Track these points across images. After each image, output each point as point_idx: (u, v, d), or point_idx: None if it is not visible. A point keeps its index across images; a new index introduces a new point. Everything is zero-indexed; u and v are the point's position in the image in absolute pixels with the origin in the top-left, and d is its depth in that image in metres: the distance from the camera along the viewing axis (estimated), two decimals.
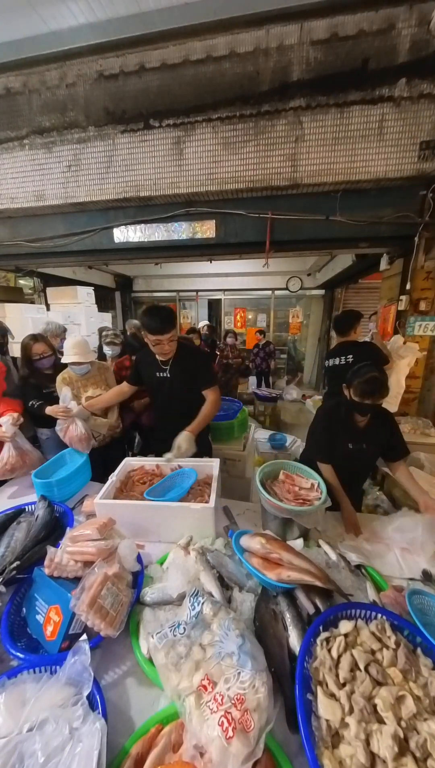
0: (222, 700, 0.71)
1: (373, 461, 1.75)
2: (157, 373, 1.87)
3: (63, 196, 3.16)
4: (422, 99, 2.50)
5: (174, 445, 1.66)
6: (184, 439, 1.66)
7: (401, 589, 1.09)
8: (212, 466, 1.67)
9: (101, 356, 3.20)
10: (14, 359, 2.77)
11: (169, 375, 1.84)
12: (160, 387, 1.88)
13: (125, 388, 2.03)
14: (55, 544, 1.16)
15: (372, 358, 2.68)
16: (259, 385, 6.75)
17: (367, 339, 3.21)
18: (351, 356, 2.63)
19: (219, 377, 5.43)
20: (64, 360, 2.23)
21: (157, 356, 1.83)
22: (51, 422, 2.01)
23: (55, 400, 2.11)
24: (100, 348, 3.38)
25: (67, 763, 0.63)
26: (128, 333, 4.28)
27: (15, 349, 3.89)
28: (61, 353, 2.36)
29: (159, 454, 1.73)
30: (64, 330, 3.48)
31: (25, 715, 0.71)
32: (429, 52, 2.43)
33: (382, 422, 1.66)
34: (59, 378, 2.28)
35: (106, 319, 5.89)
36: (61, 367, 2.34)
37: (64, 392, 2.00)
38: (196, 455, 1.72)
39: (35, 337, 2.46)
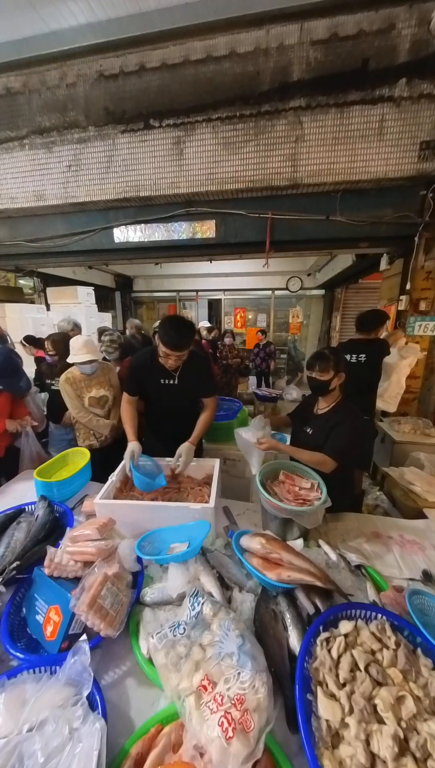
0: (222, 700, 0.71)
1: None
2: (163, 380, 1.81)
3: (63, 196, 3.17)
4: (422, 99, 2.50)
5: (176, 455, 1.67)
6: (186, 451, 1.67)
7: (401, 589, 1.09)
8: (212, 466, 1.67)
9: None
10: None
11: (177, 382, 1.80)
12: (165, 393, 1.83)
13: (130, 401, 1.88)
14: (55, 544, 1.16)
15: (381, 355, 2.68)
16: (259, 385, 6.75)
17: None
18: (364, 356, 2.61)
19: (219, 377, 5.43)
20: (73, 359, 2.21)
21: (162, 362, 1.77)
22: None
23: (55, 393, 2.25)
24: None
25: (67, 763, 0.63)
26: (128, 333, 4.28)
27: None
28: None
29: (153, 455, 1.74)
30: (75, 326, 3.54)
31: (25, 715, 0.70)
32: (429, 52, 2.43)
33: (340, 421, 1.60)
34: (62, 378, 2.28)
35: (106, 319, 5.89)
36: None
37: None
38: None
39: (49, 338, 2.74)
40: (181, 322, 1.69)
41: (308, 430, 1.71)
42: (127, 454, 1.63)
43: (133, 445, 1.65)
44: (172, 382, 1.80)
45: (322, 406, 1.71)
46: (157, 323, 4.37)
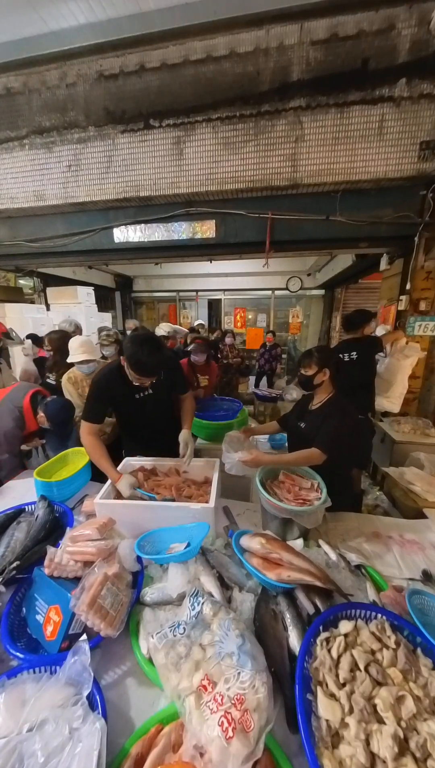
0: (222, 700, 0.71)
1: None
2: (137, 395, 1.71)
3: (63, 196, 3.17)
4: (422, 99, 2.50)
5: (182, 445, 1.68)
6: (188, 437, 1.70)
7: (401, 589, 1.09)
8: (212, 466, 1.67)
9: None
10: None
11: (151, 391, 1.73)
12: (141, 407, 1.75)
13: (92, 431, 1.66)
14: (55, 544, 1.16)
15: (372, 352, 2.70)
16: (257, 385, 6.75)
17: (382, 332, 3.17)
18: (355, 353, 2.64)
19: (219, 377, 5.42)
20: (72, 359, 2.25)
21: (134, 383, 1.61)
22: None
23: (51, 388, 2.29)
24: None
25: (67, 763, 0.63)
26: (128, 333, 4.29)
27: (14, 351, 3.91)
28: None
29: (146, 454, 1.79)
30: (76, 327, 3.56)
31: (25, 715, 0.70)
32: (429, 52, 2.43)
33: (330, 413, 1.63)
34: (64, 378, 2.30)
35: (106, 319, 5.89)
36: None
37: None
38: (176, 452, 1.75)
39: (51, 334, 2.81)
40: (150, 346, 1.49)
41: (302, 425, 1.75)
42: (125, 491, 1.46)
43: (127, 480, 1.48)
44: (147, 393, 1.72)
45: (315, 402, 1.75)
46: (134, 321, 4.35)
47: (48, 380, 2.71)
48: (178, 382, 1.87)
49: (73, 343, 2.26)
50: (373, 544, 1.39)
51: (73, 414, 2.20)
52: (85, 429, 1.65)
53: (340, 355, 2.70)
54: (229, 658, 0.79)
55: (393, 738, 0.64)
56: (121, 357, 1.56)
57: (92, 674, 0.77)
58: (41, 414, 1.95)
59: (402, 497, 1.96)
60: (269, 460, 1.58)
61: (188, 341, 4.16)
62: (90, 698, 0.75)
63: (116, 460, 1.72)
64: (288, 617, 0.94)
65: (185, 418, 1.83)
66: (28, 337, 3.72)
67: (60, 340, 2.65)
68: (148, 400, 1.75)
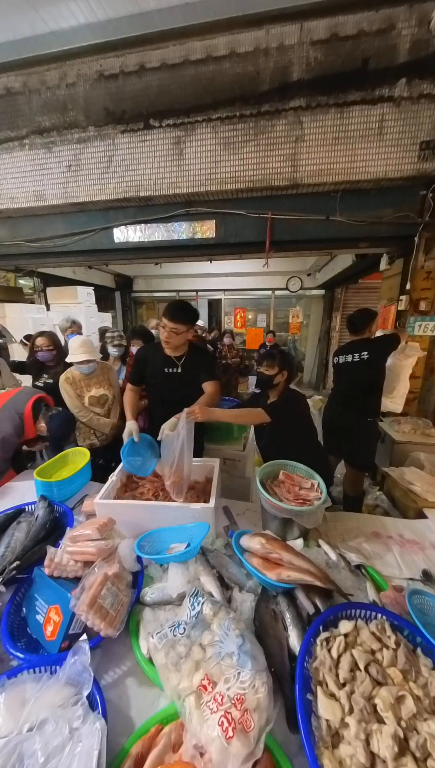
0: (222, 700, 0.71)
1: (282, 439, 1.85)
2: (166, 369, 1.90)
3: (63, 196, 3.16)
4: (422, 99, 2.50)
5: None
6: (187, 412, 1.57)
7: (401, 589, 1.09)
8: (212, 466, 1.67)
9: (104, 356, 3.22)
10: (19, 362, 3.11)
11: (180, 370, 1.89)
12: (168, 382, 1.90)
13: (133, 389, 1.99)
14: (55, 544, 1.16)
15: (389, 349, 2.66)
16: (257, 385, 6.74)
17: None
18: (366, 353, 2.56)
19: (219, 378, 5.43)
20: (70, 359, 2.24)
21: (166, 352, 1.87)
22: None
23: (48, 389, 2.25)
24: (101, 348, 3.41)
25: (67, 763, 0.63)
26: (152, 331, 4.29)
27: (14, 349, 3.92)
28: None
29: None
30: (73, 323, 3.54)
31: (25, 715, 0.70)
32: (429, 52, 2.43)
33: (289, 403, 1.87)
34: (62, 378, 2.29)
35: (106, 319, 5.89)
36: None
37: None
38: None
39: (41, 333, 2.75)
40: (184, 303, 1.82)
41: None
42: (125, 434, 1.69)
43: (130, 424, 1.73)
44: (176, 370, 1.89)
45: (271, 400, 1.90)
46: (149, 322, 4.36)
47: (45, 380, 2.71)
48: (207, 371, 1.93)
49: (73, 343, 2.26)
50: (373, 544, 1.39)
51: (74, 428, 2.21)
52: (127, 387, 2.00)
53: (349, 356, 2.64)
54: (229, 658, 0.79)
55: (393, 738, 0.64)
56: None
57: (92, 674, 0.77)
58: (42, 424, 1.90)
59: (402, 497, 1.96)
60: (218, 413, 1.67)
61: None
62: (90, 698, 0.75)
63: (117, 460, 1.72)
64: (288, 617, 0.94)
65: (202, 398, 1.79)
66: (27, 338, 3.69)
67: (36, 337, 2.71)
68: (175, 377, 1.89)
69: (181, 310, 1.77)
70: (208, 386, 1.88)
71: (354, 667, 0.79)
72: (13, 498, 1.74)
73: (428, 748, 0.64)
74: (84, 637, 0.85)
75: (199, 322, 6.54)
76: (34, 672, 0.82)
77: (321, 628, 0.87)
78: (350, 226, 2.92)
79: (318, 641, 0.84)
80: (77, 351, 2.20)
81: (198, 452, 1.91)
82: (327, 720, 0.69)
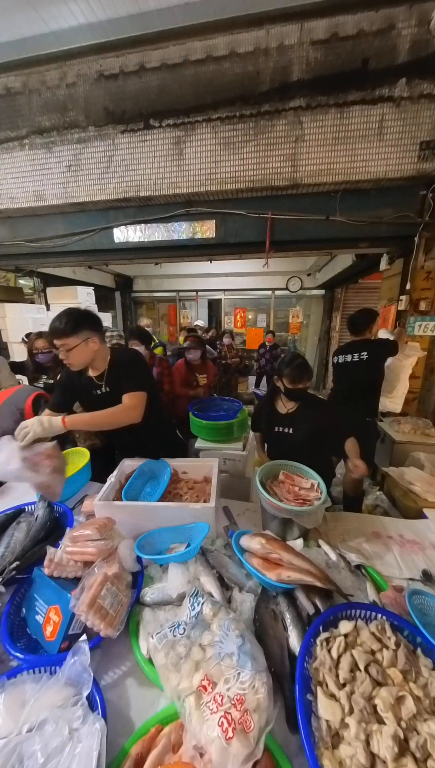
0: (222, 700, 0.71)
1: (306, 446, 1.76)
2: (95, 391, 1.61)
3: (63, 196, 3.17)
4: (422, 99, 2.50)
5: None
6: (41, 420, 1.36)
7: (401, 589, 1.09)
8: (212, 466, 1.67)
9: None
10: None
11: (108, 389, 1.59)
12: (102, 405, 1.54)
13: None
14: (55, 544, 1.16)
15: (387, 354, 2.68)
16: (257, 385, 6.75)
17: (390, 337, 3.09)
18: (365, 353, 2.59)
19: (219, 377, 5.42)
20: None
21: (87, 373, 1.61)
22: None
23: (47, 390, 2.25)
24: None
25: (67, 763, 0.63)
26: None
27: (14, 352, 3.91)
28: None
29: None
30: None
31: (24, 715, 0.70)
32: (429, 52, 2.43)
33: (313, 410, 1.80)
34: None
35: (106, 319, 5.89)
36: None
37: None
38: (166, 454, 1.73)
39: (39, 334, 2.71)
40: (63, 313, 1.47)
41: (290, 431, 1.81)
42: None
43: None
44: (104, 390, 1.60)
45: (289, 406, 1.83)
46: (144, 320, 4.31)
47: (45, 380, 2.70)
48: (128, 376, 1.57)
49: None
50: (373, 544, 1.39)
51: None
52: (46, 413, 1.60)
53: (348, 356, 2.68)
54: (229, 659, 0.79)
55: (393, 738, 0.64)
56: None
57: (92, 674, 0.77)
58: None
59: (402, 497, 1.96)
60: (84, 418, 1.49)
61: (182, 340, 4.17)
62: (90, 698, 0.74)
63: (116, 460, 1.72)
64: (288, 617, 0.94)
65: (85, 414, 1.56)
66: (27, 336, 3.70)
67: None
68: (105, 398, 1.56)
69: (57, 322, 1.44)
70: (125, 399, 1.54)
71: (354, 667, 0.79)
72: (13, 498, 1.73)
73: (428, 749, 0.64)
74: (84, 637, 0.84)
75: (199, 322, 6.55)
76: (34, 672, 0.82)
77: (321, 628, 0.87)
78: (350, 226, 2.92)
79: (318, 641, 0.84)
80: None
81: (182, 451, 1.93)
82: (327, 720, 0.69)
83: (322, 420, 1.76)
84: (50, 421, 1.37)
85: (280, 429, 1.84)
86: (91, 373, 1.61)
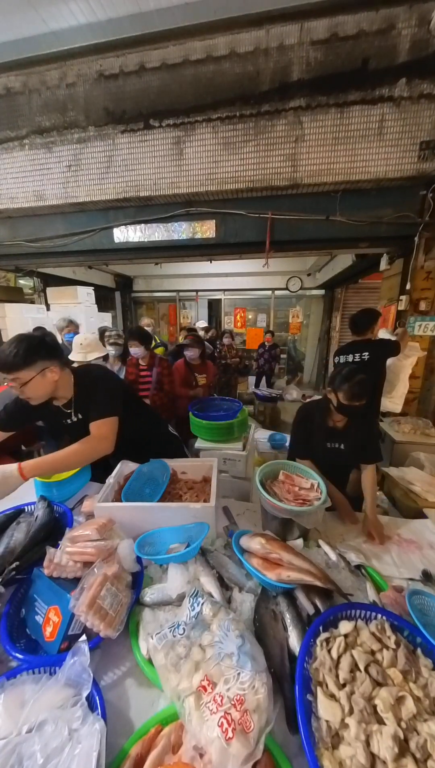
0: (221, 700, 0.71)
1: (353, 460, 1.78)
2: (66, 420, 1.48)
3: (63, 196, 3.17)
4: (422, 99, 2.50)
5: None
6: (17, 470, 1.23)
7: (401, 590, 1.08)
8: (210, 465, 1.66)
9: (104, 357, 3.22)
10: None
11: (81, 416, 1.45)
12: (77, 433, 1.41)
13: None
14: (55, 545, 1.16)
15: (388, 355, 2.68)
16: (257, 385, 6.75)
17: (390, 337, 3.07)
18: (367, 353, 2.60)
19: (218, 377, 5.43)
20: (77, 357, 2.19)
21: (54, 403, 1.45)
22: None
23: None
24: None
25: (67, 764, 0.63)
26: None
27: None
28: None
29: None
30: (70, 322, 3.52)
31: (24, 716, 0.70)
32: (429, 52, 2.43)
33: (363, 423, 1.73)
34: None
35: (106, 319, 5.89)
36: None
37: None
38: (164, 454, 1.71)
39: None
40: (15, 338, 1.28)
41: (342, 447, 1.73)
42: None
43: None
44: (75, 418, 1.48)
45: (338, 419, 1.70)
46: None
47: None
48: (93, 401, 1.42)
49: (82, 341, 2.22)
50: (372, 544, 1.39)
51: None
52: None
53: (350, 356, 2.68)
54: (229, 659, 0.79)
55: (393, 739, 0.64)
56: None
57: (92, 675, 0.77)
58: None
59: (402, 497, 1.96)
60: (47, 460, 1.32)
61: (181, 339, 4.17)
62: (89, 699, 0.74)
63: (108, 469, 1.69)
64: (288, 618, 0.94)
65: (43, 457, 1.34)
66: None
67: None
68: (79, 425, 1.43)
69: (5, 353, 1.24)
70: (93, 429, 1.38)
71: (354, 667, 0.79)
72: (13, 498, 1.73)
73: (428, 749, 0.64)
74: (83, 637, 0.84)
75: (200, 323, 6.54)
76: (34, 673, 0.82)
77: (321, 628, 0.87)
78: (350, 226, 2.92)
79: (318, 642, 0.84)
80: (85, 350, 2.17)
81: (180, 452, 1.90)
82: (327, 721, 0.69)
83: (367, 433, 1.73)
84: (2, 473, 1.18)
85: (332, 445, 1.73)
86: (57, 402, 1.43)
